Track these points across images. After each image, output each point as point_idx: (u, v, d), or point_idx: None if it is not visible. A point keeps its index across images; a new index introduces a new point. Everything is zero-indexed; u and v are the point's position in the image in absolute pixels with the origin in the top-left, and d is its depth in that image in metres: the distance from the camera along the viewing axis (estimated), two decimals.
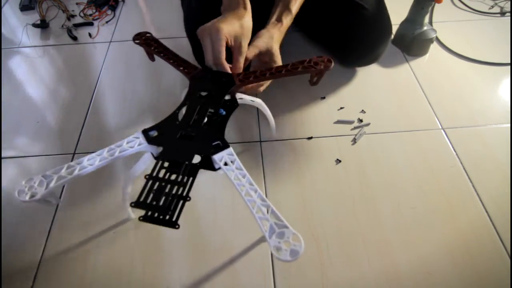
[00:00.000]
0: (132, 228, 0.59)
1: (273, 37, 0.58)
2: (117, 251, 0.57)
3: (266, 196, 0.63)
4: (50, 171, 0.41)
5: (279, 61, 0.59)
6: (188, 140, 0.44)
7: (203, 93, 0.50)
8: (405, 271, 0.54)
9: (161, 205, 0.37)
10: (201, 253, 0.56)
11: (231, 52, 0.55)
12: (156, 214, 0.38)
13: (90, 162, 0.42)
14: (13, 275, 0.55)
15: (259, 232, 0.58)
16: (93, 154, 0.42)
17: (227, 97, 0.51)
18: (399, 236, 0.57)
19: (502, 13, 1.02)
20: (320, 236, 0.58)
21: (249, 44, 0.57)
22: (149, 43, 0.57)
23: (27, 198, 0.39)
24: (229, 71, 0.53)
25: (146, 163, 0.46)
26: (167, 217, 0.37)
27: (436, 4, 1.02)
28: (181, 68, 0.54)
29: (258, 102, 0.59)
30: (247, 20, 0.56)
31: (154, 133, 0.45)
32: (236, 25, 0.54)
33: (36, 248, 0.57)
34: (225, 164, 0.41)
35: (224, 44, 0.52)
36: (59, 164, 0.67)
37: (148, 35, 0.58)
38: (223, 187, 0.64)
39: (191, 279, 0.54)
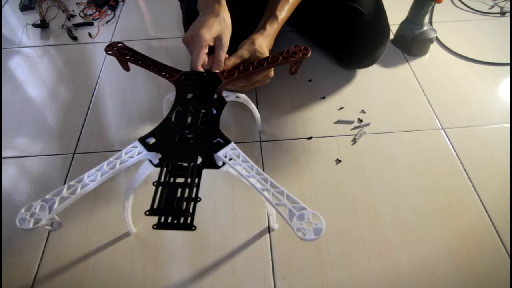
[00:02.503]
0: (132, 228, 0.59)
1: (255, 42, 0.58)
2: (117, 251, 0.57)
3: None
4: (50, 194, 0.39)
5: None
6: (187, 142, 0.44)
7: (190, 95, 0.50)
8: (405, 271, 0.54)
9: (179, 208, 0.37)
10: (201, 253, 0.56)
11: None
12: (170, 220, 0.37)
13: (91, 179, 0.40)
14: (13, 275, 0.55)
15: (259, 232, 0.58)
16: (93, 170, 0.41)
17: (214, 96, 0.52)
18: (399, 236, 0.57)
19: (502, 13, 1.02)
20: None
21: (232, 54, 0.57)
22: (123, 53, 0.56)
23: (31, 225, 0.37)
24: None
25: (146, 173, 0.46)
26: (182, 220, 0.37)
27: (436, 4, 1.02)
28: (163, 73, 0.53)
29: (243, 97, 0.60)
30: (224, 14, 0.57)
31: (151, 140, 0.44)
32: (215, 25, 0.55)
33: (36, 248, 0.57)
34: (230, 159, 0.41)
35: (201, 51, 0.53)
36: (60, 164, 0.68)
37: (120, 44, 0.57)
38: (223, 187, 0.64)
39: (190, 280, 0.54)
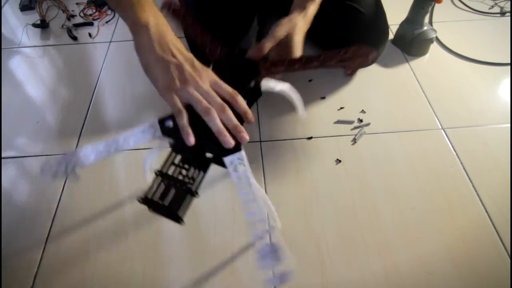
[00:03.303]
0: (132, 229, 0.59)
1: (296, 26, 0.52)
2: (117, 252, 0.57)
3: None
4: (70, 152, 0.41)
5: (298, 54, 0.54)
6: (204, 133, 0.41)
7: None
8: (405, 271, 0.54)
9: (168, 205, 0.37)
10: (201, 253, 0.56)
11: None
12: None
13: (105, 149, 0.42)
14: (13, 275, 0.55)
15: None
16: (108, 141, 0.42)
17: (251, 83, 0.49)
18: (399, 236, 0.57)
19: (502, 13, 1.02)
20: (320, 236, 0.58)
21: (268, 34, 0.52)
22: (176, 14, 0.53)
23: (49, 176, 0.40)
24: None
25: (162, 148, 0.45)
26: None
27: (436, 4, 1.02)
28: (207, 49, 0.49)
29: (286, 88, 0.51)
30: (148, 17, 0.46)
31: (170, 124, 0.42)
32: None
33: (36, 249, 0.57)
34: (235, 168, 0.40)
35: None
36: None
37: (177, 5, 0.53)
38: (223, 187, 0.64)
39: (191, 280, 0.54)
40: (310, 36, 0.89)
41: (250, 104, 0.46)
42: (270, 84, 0.48)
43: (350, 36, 0.77)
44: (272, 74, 0.48)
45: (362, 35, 0.76)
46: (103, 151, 0.42)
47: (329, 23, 0.79)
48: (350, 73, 0.50)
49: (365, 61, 0.46)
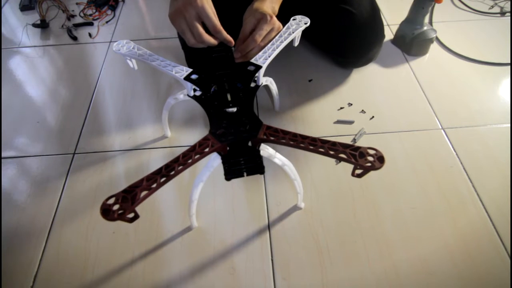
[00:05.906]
0: (132, 229, 0.59)
1: (253, 6, 0.58)
2: (117, 251, 0.57)
3: (266, 196, 0.63)
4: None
5: (265, 27, 0.57)
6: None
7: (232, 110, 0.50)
8: (405, 271, 0.54)
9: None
10: (201, 253, 0.56)
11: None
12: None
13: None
14: (13, 275, 0.55)
15: (259, 231, 0.58)
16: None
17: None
18: (399, 236, 0.57)
19: (502, 13, 1.02)
20: (320, 236, 0.58)
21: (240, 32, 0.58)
22: None
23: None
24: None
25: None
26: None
27: (436, 4, 1.02)
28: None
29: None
30: None
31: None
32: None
33: (36, 248, 0.57)
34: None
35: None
36: (60, 164, 0.69)
37: None
38: (223, 186, 0.64)
39: (191, 279, 0.54)
40: (310, 39, 0.89)
41: (249, 104, 0.50)
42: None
43: (345, 39, 0.77)
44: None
45: (357, 37, 0.76)
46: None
47: (325, 26, 0.79)
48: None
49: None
